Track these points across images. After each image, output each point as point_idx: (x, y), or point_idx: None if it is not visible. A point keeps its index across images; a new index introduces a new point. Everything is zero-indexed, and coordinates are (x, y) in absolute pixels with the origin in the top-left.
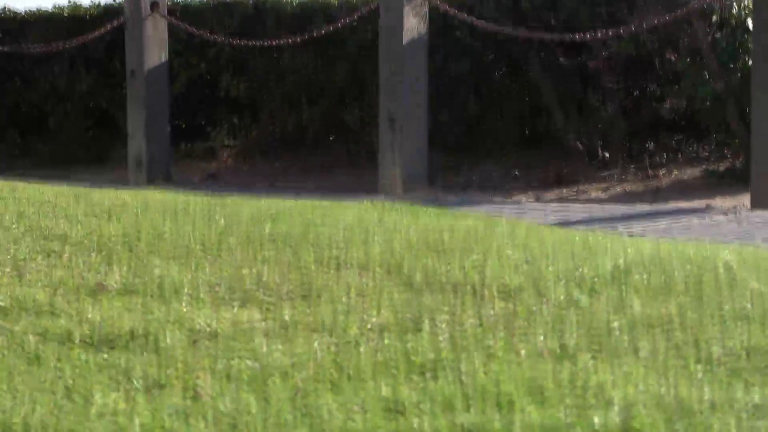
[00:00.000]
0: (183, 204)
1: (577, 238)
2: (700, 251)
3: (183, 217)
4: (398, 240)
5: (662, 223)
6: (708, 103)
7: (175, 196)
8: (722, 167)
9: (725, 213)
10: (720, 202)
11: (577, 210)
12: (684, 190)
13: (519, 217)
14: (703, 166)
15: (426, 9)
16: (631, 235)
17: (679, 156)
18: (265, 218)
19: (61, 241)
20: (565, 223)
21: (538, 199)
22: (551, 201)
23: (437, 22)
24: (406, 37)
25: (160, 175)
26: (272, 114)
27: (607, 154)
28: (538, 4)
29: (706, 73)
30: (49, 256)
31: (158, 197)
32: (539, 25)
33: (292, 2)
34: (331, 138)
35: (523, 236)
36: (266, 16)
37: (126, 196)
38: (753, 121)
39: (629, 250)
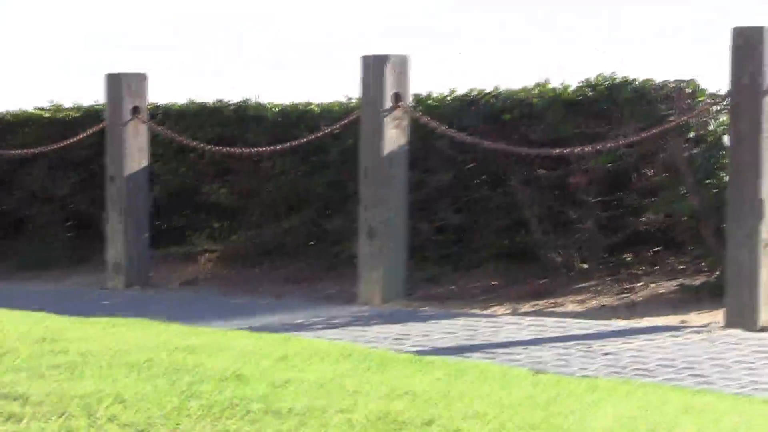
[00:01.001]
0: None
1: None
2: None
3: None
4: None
5: (637, 342)
6: (684, 219)
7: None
8: (698, 281)
9: (699, 331)
10: (696, 317)
11: (553, 325)
12: (660, 304)
13: (495, 332)
14: (680, 280)
15: (407, 121)
16: (606, 354)
17: (656, 269)
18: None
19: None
20: (540, 341)
21: (514, 311)
22: (527, 314)
23: (419, 132)
24: (386, 149)
25: (138, 280)
26: (253, 220)
27: (585, 265)
28: (519, 116)
29: (682, 188)
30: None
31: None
32: (520, 137)
33: (273, 108)
34: (313, 245)
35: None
36: (248, 122)
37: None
38: (728, 240)
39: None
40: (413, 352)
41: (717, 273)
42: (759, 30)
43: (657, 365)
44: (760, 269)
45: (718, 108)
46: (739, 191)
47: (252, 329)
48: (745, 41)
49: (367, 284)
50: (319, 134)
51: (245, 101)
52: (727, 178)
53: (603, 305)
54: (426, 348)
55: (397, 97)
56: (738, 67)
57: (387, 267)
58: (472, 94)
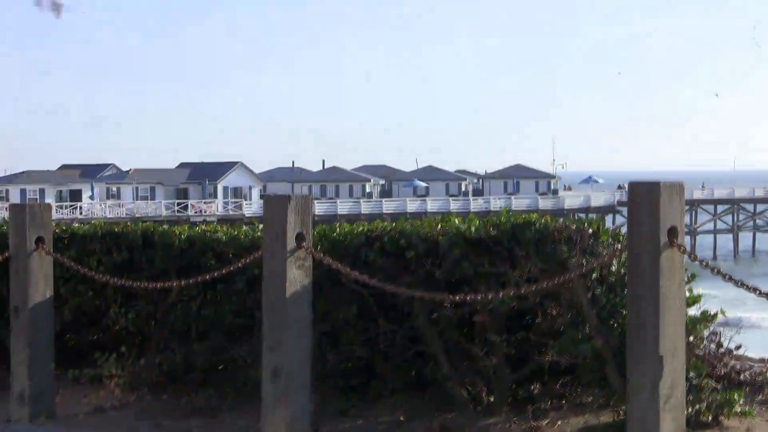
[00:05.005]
0: None
1: None
2: None
3: None
4: None
5: None
6: (587, 360)
7: None
8: (604, 418)
9: None
10: None
11: None
12: None
13: None
14: (587, 415)
15: (310, 261)
16: None
17: (564, 403)
18: None
19: None
20: None
21: None
22: None
23: (323, 265)
24: (289, 289)
25: (43, 411)
26: (160, 346)
27: (492, 399)
28: (424, 253)
29: (587, 327)
30: None
31: None
32: (425, 273)
33: (180, 235)
34: (220, 371)
35: None
36: (154, 247)
37: None
38: (628, 393)
39: None
40: None
41: (622, 412)
42: (656, 185)
43: None
44: (662, 424)
45: (620, 247)
46: (639, 347)
47: None
48: (642, 196)
49: (271, 424)
50: (223, 271)
51: (153, 226)
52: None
53: None
54: None
55: (300, 237)
56: (634, 222)
57: (292, 406)
58: (377, 230)
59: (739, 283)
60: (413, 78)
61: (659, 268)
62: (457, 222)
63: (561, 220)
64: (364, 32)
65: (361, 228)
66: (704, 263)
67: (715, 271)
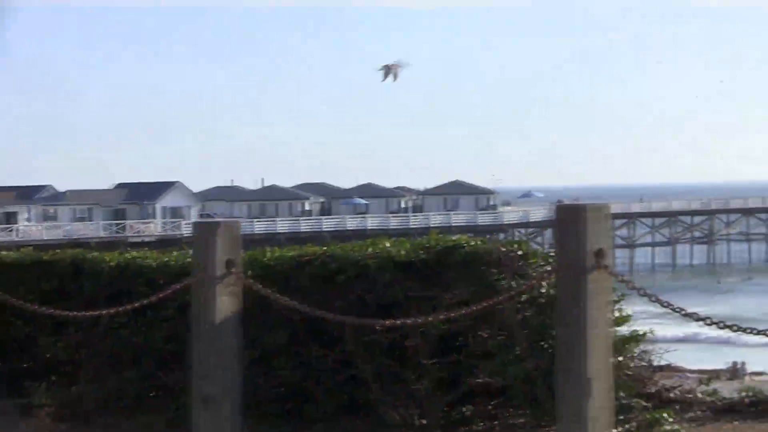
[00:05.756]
0: None
1: None
2: None
3: None
4: None
5: None
6: (518, 381)
7: None
8: None
9: None
10: None
11: None
12: None
13: None
14: None
15: (240, 287)
16: None
17: (496, 424)
18: None
19: None
20: None
21: None
22: None
23: (254, 291)
24: (218, 316)
25: None
26: (91, 374)
27: (424, 421)
28: (354, 276)
29: (517, 349)
30: None
31: None
32: (355, 297)
33: (110, 262)
34: (152, 398)
35: None
36: (84, 275)
37: None
38: (557, 404)
39: None
40: None
41: (554, 430)
42: (582, 208)
43: None
44: None
45: (550, 269)
46: (567, 369)
47: None
48: (568, 219)
49: None
50: (153, 298)
51: (82, 253)
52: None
53: None
54: None
55: (229, 264)
56: (561, 244)
57: None
58: (308, 254)
59: (666, 304)
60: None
61: (586, 290)
62: (387, 245)
63: (494, 236)
64: (301, 48)
65: (291, 252)
66: (630, 284)
67: (641, 292)
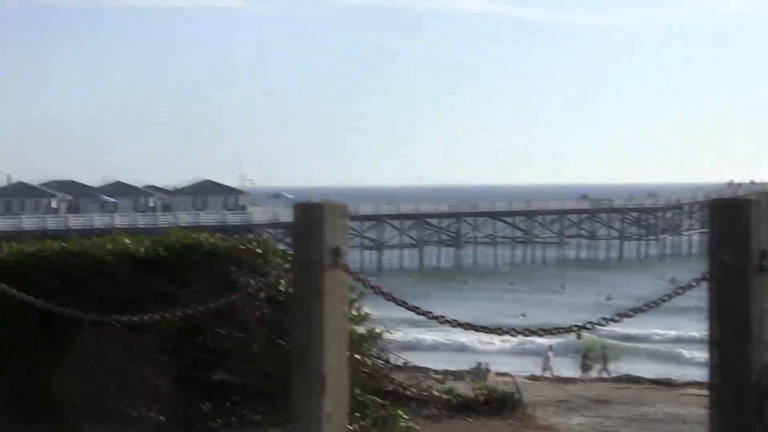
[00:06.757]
0: None
1: None
2: None
3: None
4: None
5: None
6: (256, 379)
7: None
8: None
9: None
10: None
11: None
12: None
13: None
14: None
15: None
16: None
17: (234, 421)
18: None
19: None
20: None
21: None
22: None
23: None
24: None
25: None
26: None
27: (161, 418)
28: (93, 273)
29: (256, 346)
30: None
31: None
32: (94, 294)
33: None
34: None
35: None
36: None
37: None
38: (293, 411)
39: None
40: None
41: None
42: (320, 207)
43: None
44: None
45: (289, 267)
46: (302, 366)
47: None
48: (305, 217)
49: None
50: None
51: None
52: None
53: None
54: None
55: None
56: (298, 243)
57: None
58: (47, 250)
59: (401, 303)
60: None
61: (322, 288)
62: (127, 241)
63: (243, 237)
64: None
65: (31, 248)
66: (368, 283)
67: (377, 291)
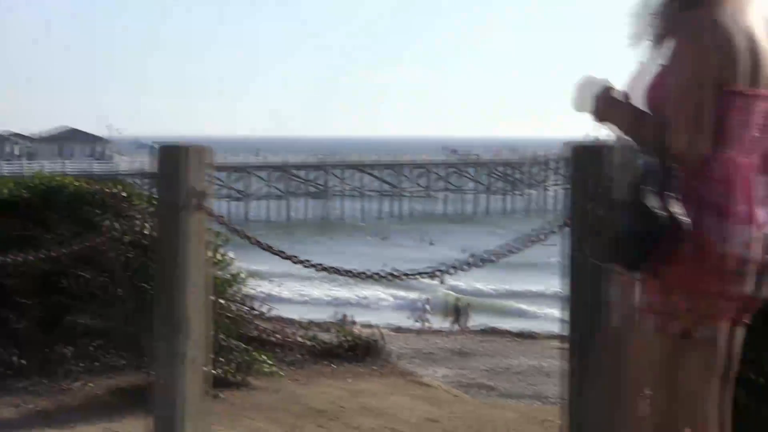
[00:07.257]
0: None
1: None
2: None
3: None
4: None
5: None
6: (119, 323)
7: None
8: (137, 381)
9: None
10: (128, 426)
11: None
12: (96, 409)
13: None
14: (119, 378)
15: None
16: None
17: (97, 365)
18: None
19: None
20: None
21: None
22: None
23: None
24: None
25: None
26: None
27: (23, 361)
28: None
29: (119, 290)
30: None
31: None
32: None
33: None
34: None
35: None
36: None
37: None
38: (154, 354)
39: None
40: None
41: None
42: (183, 149)
43: None
44: (186, 384)
45: (153, 210)
46: (162, 309)
47: None
48: (168, 160)
49: None
50: None
51: None
52: None
53: (39, 410)
54: None
55: None
56: (161, 186)
57: None
58: None
59: (266, 247)
60: None
61: (184, 231)
62: None
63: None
64: None
65: None
66: (232, 227)
67: (242, 234)
